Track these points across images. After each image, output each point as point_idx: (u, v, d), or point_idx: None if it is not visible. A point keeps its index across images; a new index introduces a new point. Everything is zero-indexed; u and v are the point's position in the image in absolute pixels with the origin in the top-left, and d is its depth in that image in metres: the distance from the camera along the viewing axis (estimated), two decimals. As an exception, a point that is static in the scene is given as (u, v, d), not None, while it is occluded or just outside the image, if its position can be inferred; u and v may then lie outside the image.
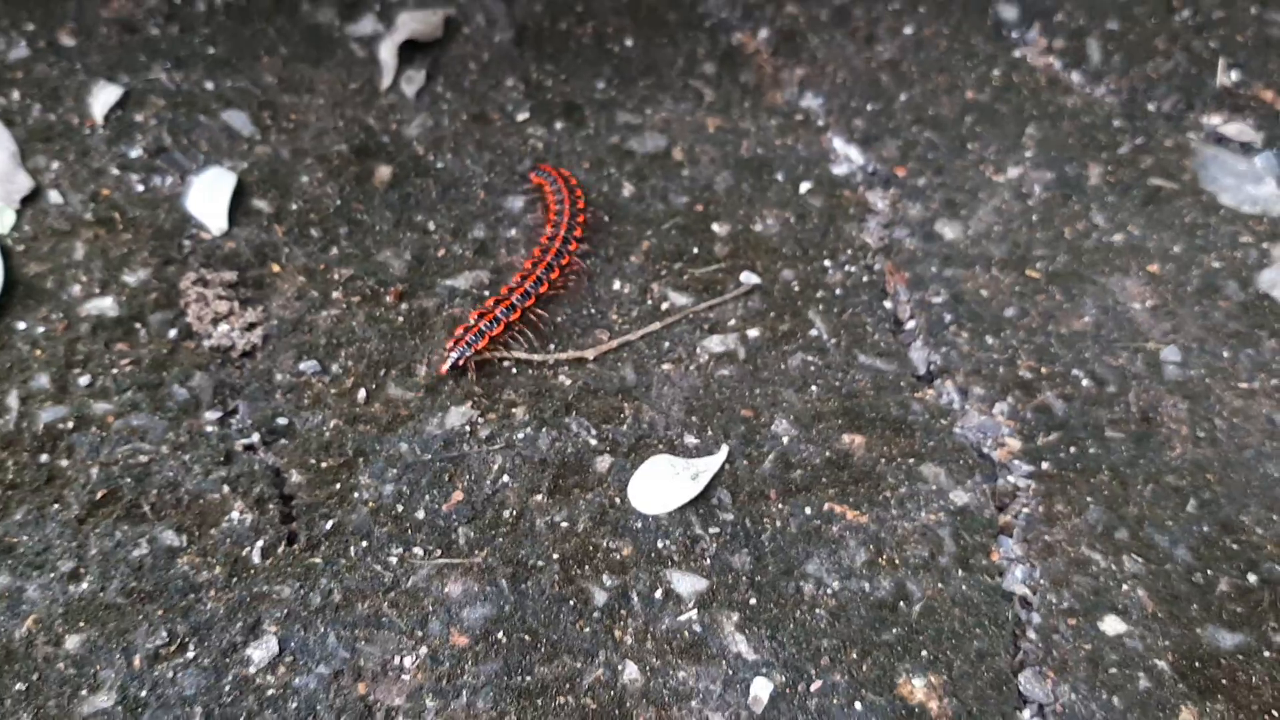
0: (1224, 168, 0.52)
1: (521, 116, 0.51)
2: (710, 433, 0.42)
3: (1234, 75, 0.55)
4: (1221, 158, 0.52)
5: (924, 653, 0.36)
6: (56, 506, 0.37)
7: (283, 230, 0.46)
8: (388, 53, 0.51)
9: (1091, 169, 0.51)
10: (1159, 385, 0.45)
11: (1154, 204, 0.50)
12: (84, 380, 0.41)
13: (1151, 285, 0.48)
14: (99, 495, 0.38)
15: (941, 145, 0.51)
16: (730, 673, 0.35)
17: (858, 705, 0.35)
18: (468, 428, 0.41)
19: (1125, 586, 0.38)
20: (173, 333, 0.42)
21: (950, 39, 0.55)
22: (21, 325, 0.42)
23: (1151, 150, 0.52)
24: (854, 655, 0.36)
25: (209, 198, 0.46)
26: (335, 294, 0.44)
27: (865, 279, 0.47)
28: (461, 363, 0.41)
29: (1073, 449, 0.42)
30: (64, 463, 0.39)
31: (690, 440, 0.41)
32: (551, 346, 0.44)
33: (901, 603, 0.37)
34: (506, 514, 0.39)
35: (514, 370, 0.43)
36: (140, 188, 0.46)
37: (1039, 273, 0.48)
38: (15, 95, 0.48)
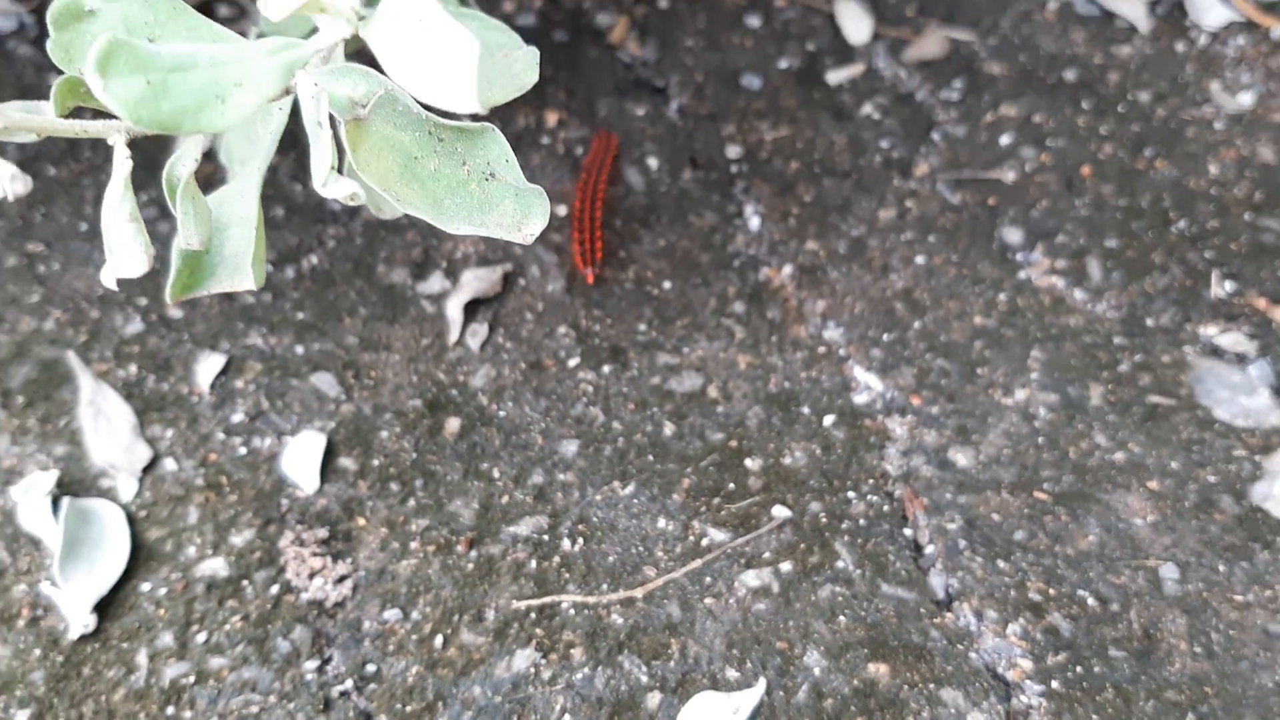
0: (1219, 380, 0.56)
1: (573, 362, 0.57)
2: (749, 665, 0.47)
3: (1228, 285, 0.60)
4: (1216, 370, 0.56)
5: None
6: (180, 757, 0.43)
7: (366, 485, 0.52)
8: (454, 309, 0.58)
9: (1093, 389, 0.56)
10: (1159, 601, 0.49)
11: (1153, 421, 0.55)
12: (201, 637, 0.47)
13: (1152, 501, 0.52)
14: (216, 746, 0.44)
15: (953, 371, 0.56)
16: None
17: None
18: (532, 669, 0.46)
19: (1131, 807, 0.42)
20: (274, 589, 0.48)
21: (959, 265, 0.61)
22: (146, 587, 0.49)
23: (1150, 367, 0.57)
24: None
25: (302, 459, 0.52)
26: (413, 544, 0.50)
27: (886, 507, 0.52)
28: (599, 267, 0.57)
29: (1079, 668, 0.47)
30: (187, 714, 0.45)
31: (731, 674, 0.46)
32: (604, 587, 0.49)
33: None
34: (569, 752, 0.44)
35: (572, 611, 0.48)
36: (242, 450, 0.53)
37: (1046, 494, 0.52)
38: (133, 368, 0.56)
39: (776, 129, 0.67)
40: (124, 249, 0.34)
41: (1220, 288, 0.60)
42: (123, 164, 0.34)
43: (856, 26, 0.74)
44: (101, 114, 0.34)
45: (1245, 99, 0.69)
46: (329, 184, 0.34)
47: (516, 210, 0.38)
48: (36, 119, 0.34)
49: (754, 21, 0.73)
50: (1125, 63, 0.72)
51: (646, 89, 0.69)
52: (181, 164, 0.36)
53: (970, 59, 0.72)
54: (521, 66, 0.42)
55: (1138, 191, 0.64)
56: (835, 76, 0.70)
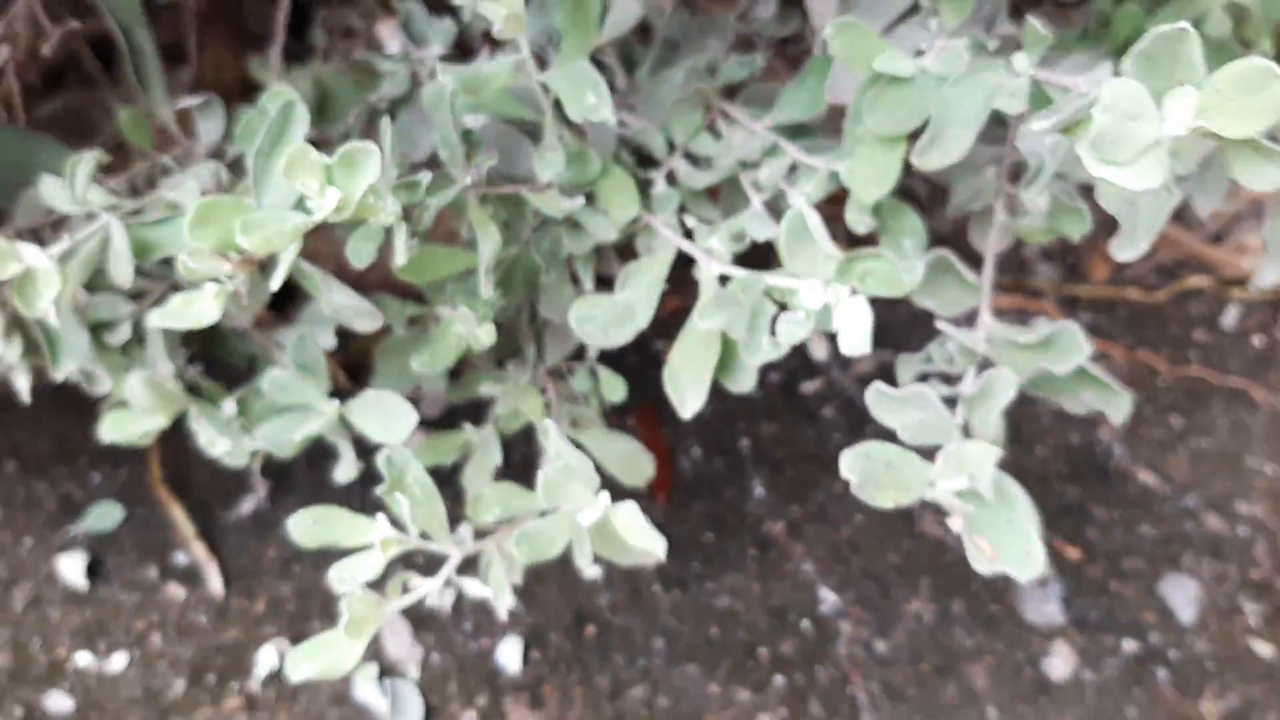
0: (1030, 595, 0.97)
1: (656, 587, 0.97)
2: (764, 768, 0.86)
3: (1040, 530, 1.01)
4: (1029, 589, 0.97)
5: None
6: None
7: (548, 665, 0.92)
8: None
9: (956, 603, 0.97)
10: (988, 729, 0.89)
11: (993, 621, 0.95)
12: (468, 757, 0.86)
13: (988, 673, 0.92)
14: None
15: (876, 591, 0.97)
16: None
17: None
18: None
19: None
20: (504, 729, 0.88)
21: (881, 517, 1.02)
22: (432, 728, 0.88)
23: (991, 588, 0.97)
24: None
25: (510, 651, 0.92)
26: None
27: (834, 676, 0.92)
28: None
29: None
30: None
31: (755, 773, 0.86)
32: (683, 724, 0.89)
33: None
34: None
35: (666, 738, 0.88)
36: (473, 647, 0.93)
37: (928, 665, 0.92)
38: (402, 595, 0.95)
39: (770, 426, 1.09)
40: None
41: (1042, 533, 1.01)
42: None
43: (817, 346, 1.16)
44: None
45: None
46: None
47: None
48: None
49: (754, 345, 1.15)
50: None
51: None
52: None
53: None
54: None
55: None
56: (806, 388, 1.12)
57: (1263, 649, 0.93)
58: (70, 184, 0.62)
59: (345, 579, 0.61)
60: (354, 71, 0.89)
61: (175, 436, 1.01)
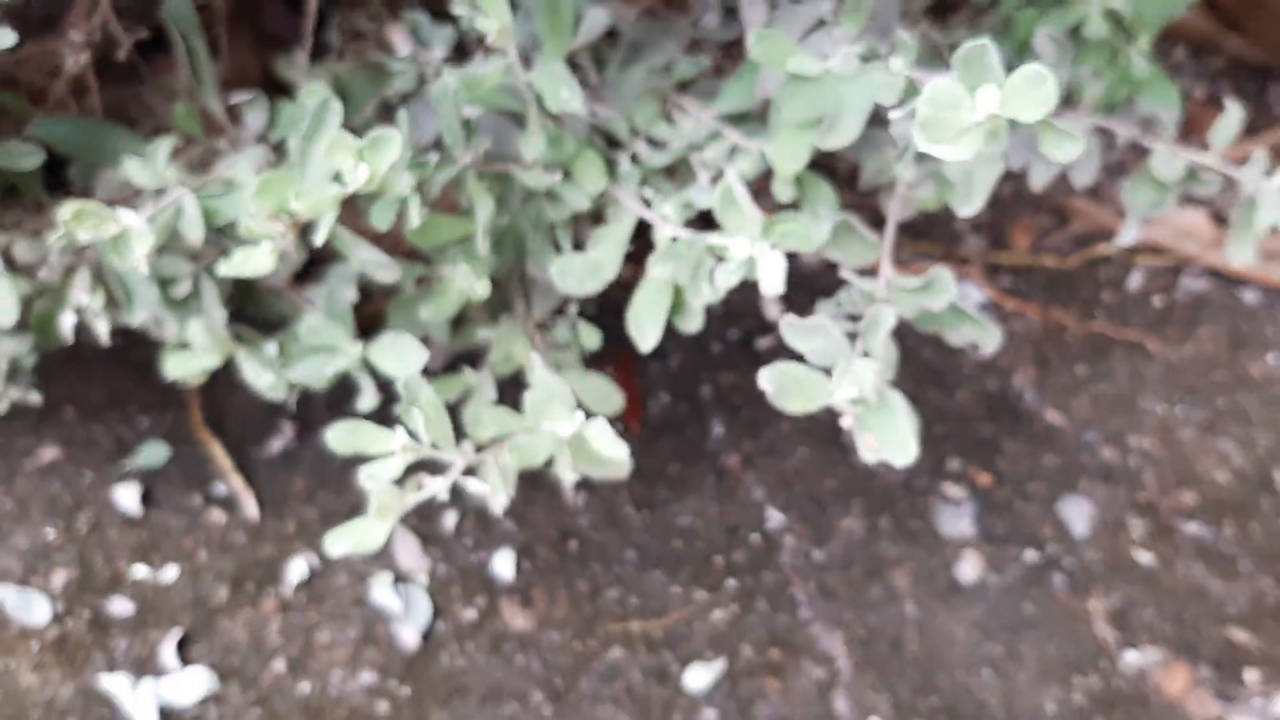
0: (946, 513, 1.13)
1: (628, 510, 1.14)
2: None
3: (957, 462, 1.18)
4: (946, 508, 1.14)
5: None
6: None
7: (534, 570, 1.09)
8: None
9: (884, 521, 1.13)
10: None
11: (913, 534, 1.12)
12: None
13: (909, 576, 1.09)
14: None
15: (814, 512, 1.14)
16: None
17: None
18: None
19: None
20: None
21: (826, 445, 1.19)
22: (440, 627, 1.05)
23: (913, 505, 1.14)
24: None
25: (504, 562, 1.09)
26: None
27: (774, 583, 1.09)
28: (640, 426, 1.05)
29: None
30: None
31: (709, 658, 1.03)
32: (650, 619, 1.05)
33: None
34: None
35: (636, 631, 1.05)
36: (473, 559, 1.09)
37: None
38: (413, 520, 1.12)
39: (728, 376, 1.25)
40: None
41: (954, 463, 1.18)
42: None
43: (772, 308, 1.32)
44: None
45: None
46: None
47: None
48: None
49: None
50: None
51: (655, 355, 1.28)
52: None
53: (835, 328, 1.30)
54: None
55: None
56: (760, 344, 1.29)
57: (1144, 557, 1.10)
58: (152, 163, 0.78)
59: (374, 476, 0.77)
60: (366, 70, 1.05)
61: (211, 389, 1.18)
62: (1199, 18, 1.72)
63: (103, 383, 1.21)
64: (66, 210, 0.70)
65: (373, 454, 0.81)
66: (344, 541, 0.77)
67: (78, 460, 1.16)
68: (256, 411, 1.19)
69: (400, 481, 0.80)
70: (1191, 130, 1.53)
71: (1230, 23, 1.74)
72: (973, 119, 0.58)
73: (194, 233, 0.76)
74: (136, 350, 1.07)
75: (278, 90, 1.02)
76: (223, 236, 0.85)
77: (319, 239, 0.72)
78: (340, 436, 0.79)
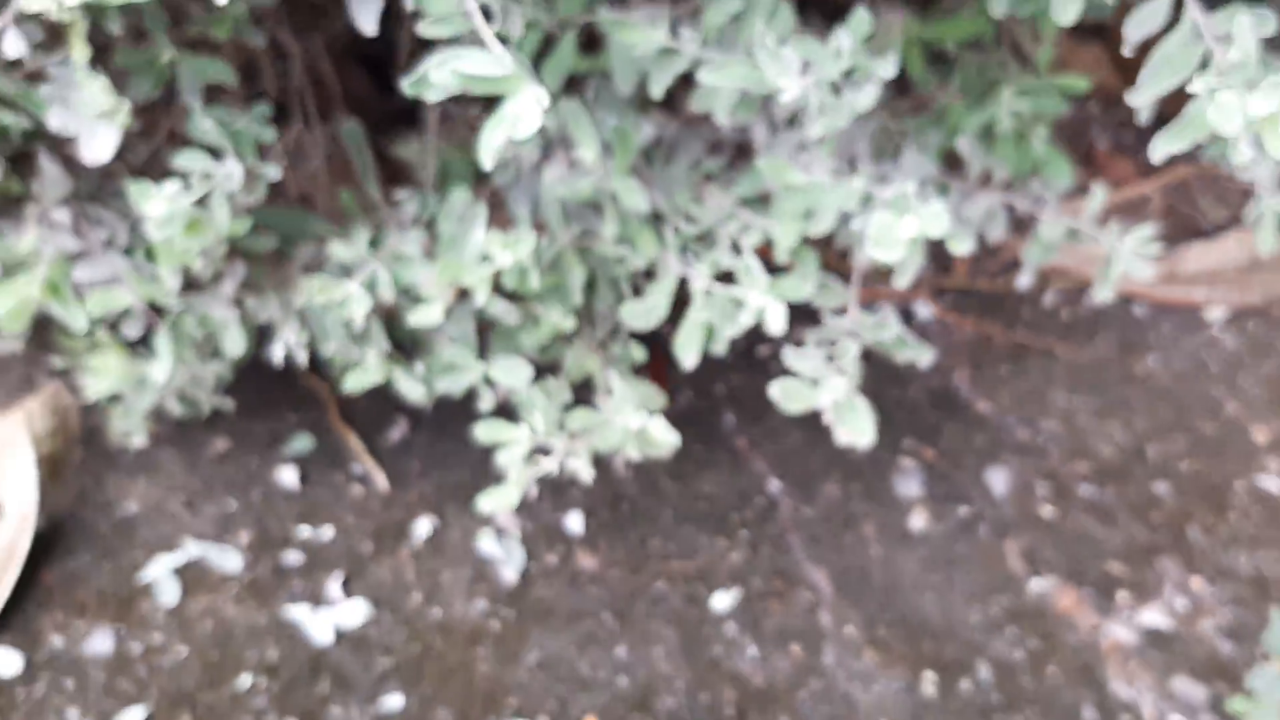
0: (903, 481, 1.52)
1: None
2: (735, 584, 1.41)
3: (910, 441, 1.57)
4: (903, 478, 1.53)
5: None
6: None
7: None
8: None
9: (854, 486, 1.52)
10: (872, 559, 1.44)
11: (879, 494, 1.51)
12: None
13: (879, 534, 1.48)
14: None
15: (803, 478, 1.52)
16: None
17: None
18: None
19: None
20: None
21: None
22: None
23: (877, 469, 1.53)
24: None
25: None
26: (618, 549, 1.44)
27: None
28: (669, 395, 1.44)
29: None
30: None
31: (729, 586, 1.41)
32: None
33: None
34: None
35: None
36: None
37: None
38: (503, 488, 1.50)
39: (737, 377, 1.63)
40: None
41: (907, 442, 1.56)
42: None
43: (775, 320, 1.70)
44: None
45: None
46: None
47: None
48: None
49: (725, 324, 1.70)
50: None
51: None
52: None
53: (817, 339, 1.68)
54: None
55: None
56: (761, 351, 1.67)
57: (1046, 511, 1.49)
58: (356, 244, 1.15)
59: (507, 459, 1.15)
60: (463, 151, 1.42)
61: (343, 398, 1.55)
62: (1108, 75, 2.11)
63: (255, 390, 1.58)
64: (314, 282, 1.07)
65: (503, 442, 1.19)
66: (491, 501, 1.15)
67: (244, 449, 1.53)
68: (378, 409, 1.56)
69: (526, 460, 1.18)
70: (1100, 173, 1.95)
71: (1131, 79, 2.13)
72: (902, 236, 0.97)
73: (387, 295, 1.14)
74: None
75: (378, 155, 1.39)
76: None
77: (479, 301, 1.10)
78: (484, 430, 1.17)
